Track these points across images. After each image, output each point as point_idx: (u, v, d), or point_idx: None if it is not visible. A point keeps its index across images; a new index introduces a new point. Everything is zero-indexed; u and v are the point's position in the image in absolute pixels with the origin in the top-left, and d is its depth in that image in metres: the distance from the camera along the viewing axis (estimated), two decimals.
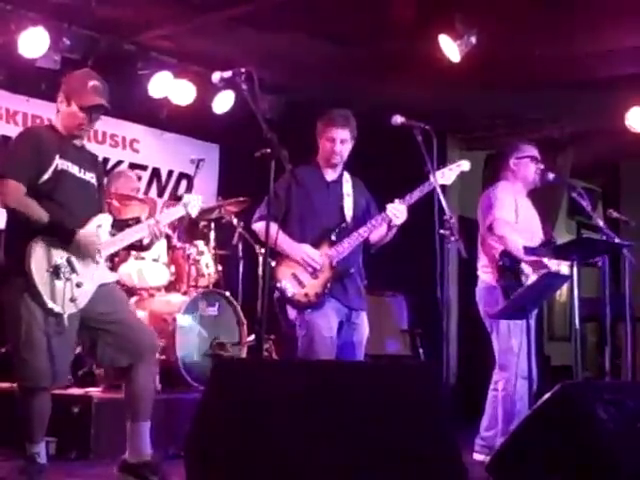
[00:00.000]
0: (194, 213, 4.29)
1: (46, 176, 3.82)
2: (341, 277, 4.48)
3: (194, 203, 4.24)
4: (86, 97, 3.92)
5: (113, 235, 4.01)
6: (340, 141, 4.54)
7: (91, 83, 3.96)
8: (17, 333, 3.75)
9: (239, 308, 5.93)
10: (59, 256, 3.77)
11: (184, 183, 7.70)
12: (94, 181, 4.06)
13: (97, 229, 3.92)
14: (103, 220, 3.98)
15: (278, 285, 4.42)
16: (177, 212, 4.27)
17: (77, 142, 4.03)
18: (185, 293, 5.87)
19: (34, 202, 3.75)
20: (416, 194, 4.47)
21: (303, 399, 2.77)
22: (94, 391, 5.09)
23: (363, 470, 2.69)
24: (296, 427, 2.73)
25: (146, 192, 7.53)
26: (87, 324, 3.89)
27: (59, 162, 3.86)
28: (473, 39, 5.73)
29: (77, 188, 3.94)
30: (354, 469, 2.68)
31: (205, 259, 6.02)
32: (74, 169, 3.93)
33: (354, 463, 2.69)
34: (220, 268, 6.13)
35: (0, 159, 3.98)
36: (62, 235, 3.78)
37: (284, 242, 4.46)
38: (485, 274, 5.02)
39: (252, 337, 5.81)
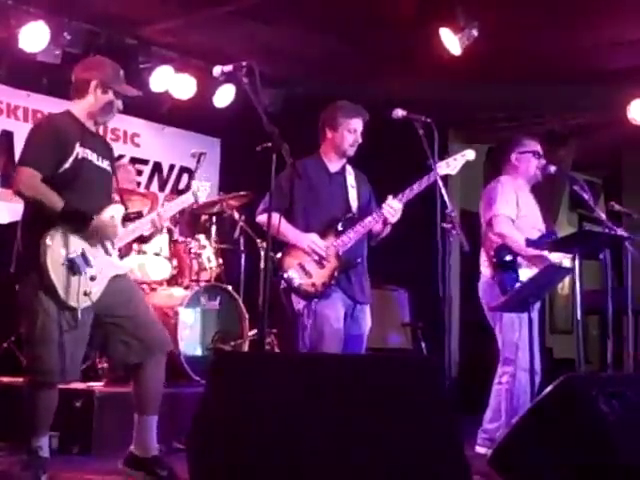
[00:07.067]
0: (202, 199, 4.31)
1: (67, 165, 3.77)
2: (347, 268, 4.48)
3: (202, 190, 4.26)
4: (125, 87, 3.99)
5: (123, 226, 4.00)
6: (359, 132, 4.55)
7: (121, 73, 4.00)
8: (32, 327, 3.73)
9: (241, 302, 5.93)
10: (74, 249, 3.74)
11: (185, 177, 7.71)
12: (110, 169, 4.03)
13: (111, 219, 3.90)
14: (116, 211, 3.96)
15: (285, 275, 4.41)
16: (187, 200, 4.27)
17: (93, 128, 4.00)
18: (187, 287, 5.87)
19: (50, 190, 3.69)
20: (415, 189, 4.44)
21: (305, 393, 2.77)
22: (96, 385, 5.08)
23: (365, 465, 2.68)
24: (298, 421, 2.73)
25: (147, 186, 7.54)
26: (101, 320, 3.87)
27: (79, 150, 3.82)
28: (474, 32, 5.72)
29: (95, 176, 3.91)
30: (356, 465, 2.68)
31: (207, 253, 6.02)
32: (93, 157, 3.89)
33: (356, 459, 2.68)
34: (222, 262, 6.14)
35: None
36: (79, 221, 3.75)
37: (289, 231, 4.45)
38: (486, 268, 5.00)
39: (254, 331, 5.81)
